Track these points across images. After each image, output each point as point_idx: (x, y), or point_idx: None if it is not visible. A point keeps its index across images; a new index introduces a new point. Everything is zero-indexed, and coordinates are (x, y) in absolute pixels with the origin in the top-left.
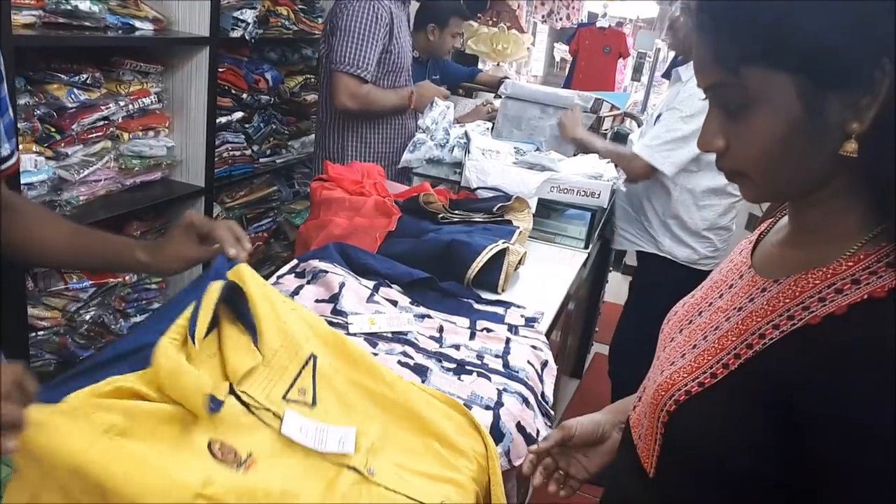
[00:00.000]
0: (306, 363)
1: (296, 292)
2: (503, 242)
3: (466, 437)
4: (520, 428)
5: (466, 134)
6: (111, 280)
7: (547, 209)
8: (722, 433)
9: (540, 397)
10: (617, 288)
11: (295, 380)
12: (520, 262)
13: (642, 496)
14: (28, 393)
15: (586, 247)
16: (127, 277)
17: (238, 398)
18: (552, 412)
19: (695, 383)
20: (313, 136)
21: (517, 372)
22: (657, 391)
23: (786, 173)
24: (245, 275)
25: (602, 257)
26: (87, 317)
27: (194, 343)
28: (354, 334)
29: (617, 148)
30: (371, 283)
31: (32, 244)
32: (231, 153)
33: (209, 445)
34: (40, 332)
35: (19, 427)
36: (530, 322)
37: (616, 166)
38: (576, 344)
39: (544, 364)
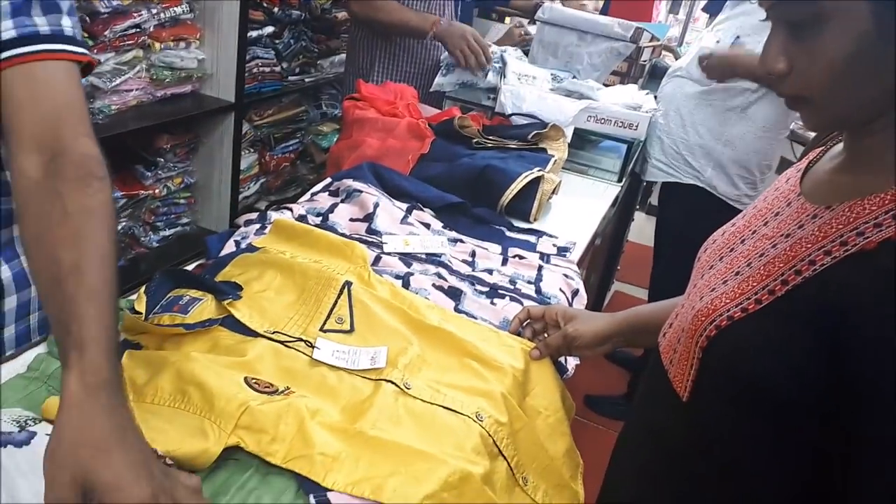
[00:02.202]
0: (342, 291)
1: (330, 210)
2: (538, 170)
3: (503, 354)
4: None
5: (502, 58)
6: (142, 192)
7: (581, 140)
8: (764, 358)
9: None
10: (640, 228)
11: (331, 310)
12: (553, 192)
13: (673, 420)
14: None
15: (619, 180)
16: (157, 190)
17: (269, 339)
18: None
19: (738, 309)
20: (343, 55)
21: (549, 298)
22: (696, 316)
23: (850, 97)
24: (281, 224)
25: (629, 195)
26: (118, 227)
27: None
28: (389, 253)
29: None
30: (404, 206)
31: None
32: (261, 69)
33: (245, 380)
34: None
35: None
36: (562, 251)
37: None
38: (597, 281)
39: (575, 293)
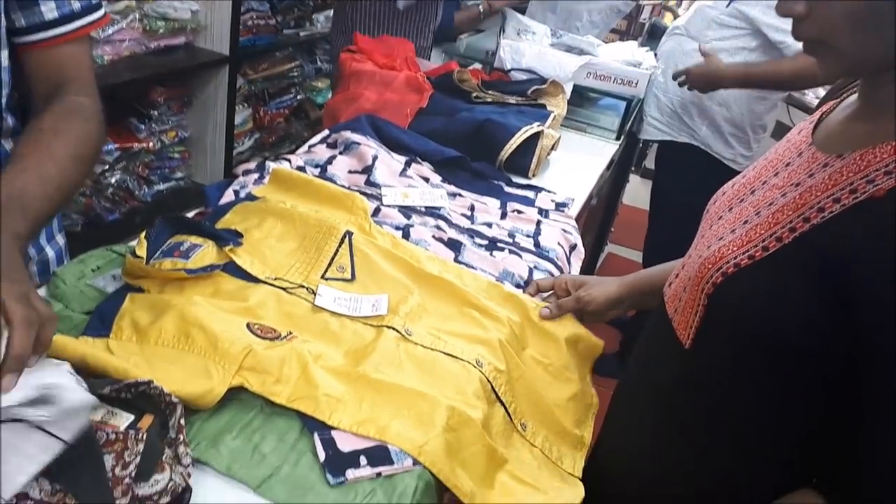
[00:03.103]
0: (342, 241)
1: (329, 162)
2: (538, 125)
3: (502, 307)
4: None
5: (502, 12)
6: (135, 145)
7: (580, 97)
8: (771, 305)
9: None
10: (635, 191)
11: (333, 258)
12: (553, 147)
13: (675, 368)
14: (43, 343)
15: (618, 138)
16: (151, 144)
17: (271, 285)
18: None
19: (744, 256)
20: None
21: (548, 252)
22: (703, 264)
23: (867, 43)
24: (281, 173)
25: (625, 157)
26: (113, 180)
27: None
28: (388, 206)
29: (783, 62)
30: (403, 159)
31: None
32: (255, 21)
33: (248, 326)
34: None
35: (22, 366)
36: (560, 206)
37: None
38: (591, 242)
39: (573, 247)
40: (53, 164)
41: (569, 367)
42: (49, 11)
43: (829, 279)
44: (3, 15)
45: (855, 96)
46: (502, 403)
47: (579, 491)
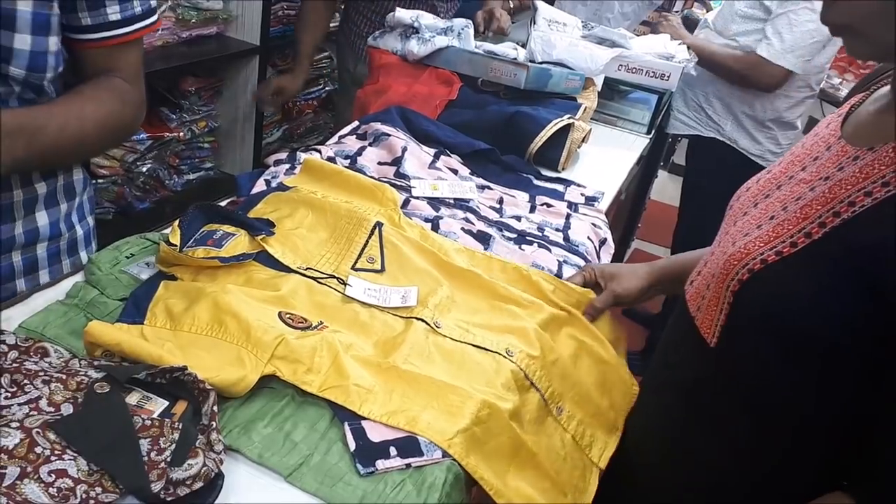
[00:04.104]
0: (372, 232)
1: (358, 153)
2: (569, 117)
3: (531, 296)
4: None
5: (533, 3)
6: (167, 134)
7: (610, 90)
8: (800, 302)
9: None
10: (663, 186)
11: (363, 249)
12: (583, 140)
13: (700, 367)
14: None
15: (648, 132)
16: (181, 133)
17: (302, 275)
18: None
19: (772, 252)
20: None
21: (577, 246)
22: (728, 261)
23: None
24: (312, 164)
25: (654, 152)
26: (144, 169)
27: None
28: (417, 197)
29: (736, 53)
30: (432, 151)
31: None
32: (286, 12)
33: (279, 315)
34: (100, 181)
35: None
36: (590, 201)
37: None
38: (618, 238)
39: (602, 241)
40: (77, 121)
41: (606, 349)
42: (114, 14)
43: (861, 274)
44: (55, 4)
45: (885, 89)
46: (537, 388)
47: (587, 498)
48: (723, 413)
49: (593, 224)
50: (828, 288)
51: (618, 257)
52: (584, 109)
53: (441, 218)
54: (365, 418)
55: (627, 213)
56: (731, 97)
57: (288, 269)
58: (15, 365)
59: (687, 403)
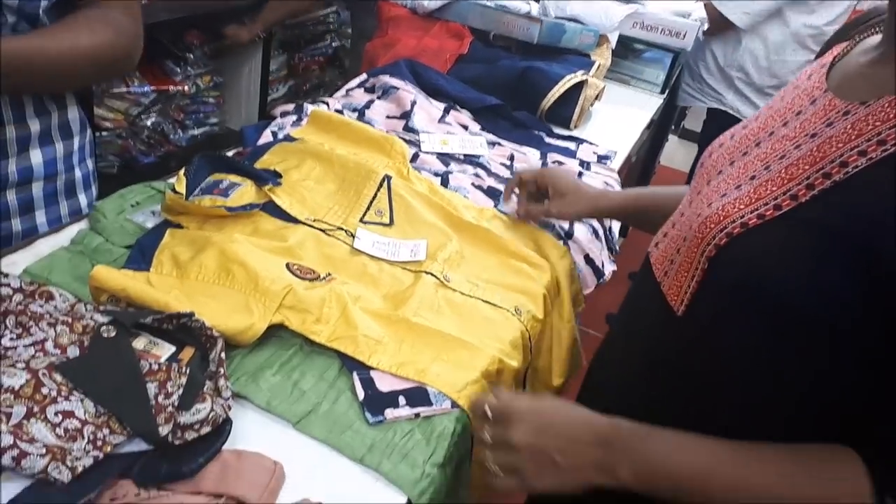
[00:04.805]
0: (381, 185)
1: (367, 106)
2: (582, 73)
3: (540, 254)
4: (588, 260)
5: None
6: (171, 87)
7: (624, 49)
8: (782, 271)
9: (608, 231)
10: (673, 152)
11: (371, 202)
12: (596, 98)
13: (664, 335)
14: None
15: (662, 92)
16: (186, 87)
17: (310, 226)
18: (617, 248)
19: (753, 216)
20: None
21: None
22: (704, 224)
23: None
24: (320, 115)
25: (664, 117)
26: (149, 122)
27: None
28: (427, 152)
29: None
30: (441, 105)
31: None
32: None
33: (287, 266)
34: (104, 133)
35: None
36: (602, 159)
37: None
38: None
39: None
40: (70, 48)
41: (573, 325)
42: None
43: (852, 242)
44: None
45: (875, 38)
46: (531, 352)
47: None
48: (687, 382)
49: (606, 182)
50: (813, 256)
51: None
52: (598, 66)
53: (451, 173)
54: (374, 368)
55: (637, 178)
56: (730, 68)
57: (295, 221)
58: (20, 307)
59: (651, 375)
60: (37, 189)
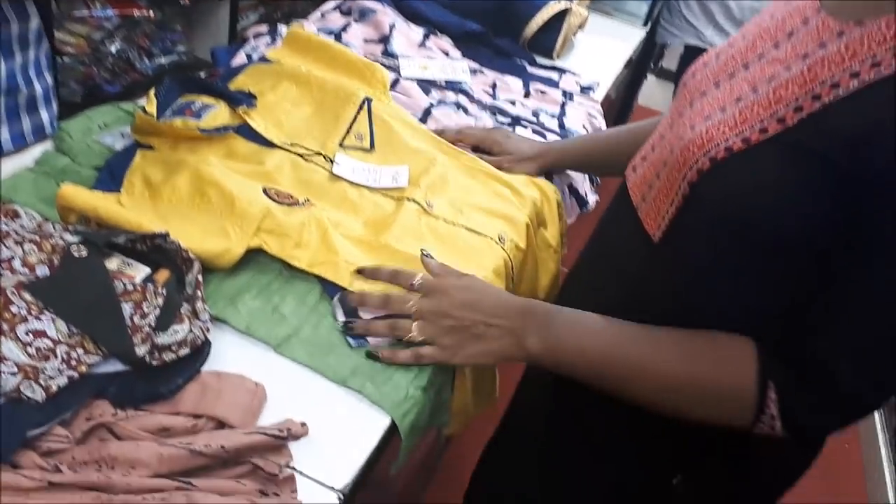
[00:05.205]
0: (361, 107)
1: (343, 30)
2: (566, 1)
3: (525, 187)
4: (571, 190)
5: None
6: (136, 13)
7: None
8: (767, 197)
9: None
10: (650, 92)
11: (351, 125)
12: (579, 27)
13: (637, 260)
14: None
15: (645, 24)
16: (150, 13)
17: (287, 150)
18: (598, 179)
19: (738, 139)
20: None
21: (572, 133)
22: (687, 147)
23: None
24: (296, 35)
25: (642, 55)
26: (113, 49)
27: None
28: (406, 78)
29: None
30: (421, 30)
31: None
32: None
33: (264, 190)
34: (66, 59)
35: None
36: (585, 90)
37: None
38: None
39: (598, 131)
40: None
41: (558, 254)
42: None
43: (837, 167)
44: None
45: None
46: (512, 279)
47: None
48: (662, 306)
49: (589, 113)
50: (798, 182)
51: None
52: None
53: (433, 106)
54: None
55: (615, 117)
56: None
57: (271, 145)
58: None
59: (626, 301)
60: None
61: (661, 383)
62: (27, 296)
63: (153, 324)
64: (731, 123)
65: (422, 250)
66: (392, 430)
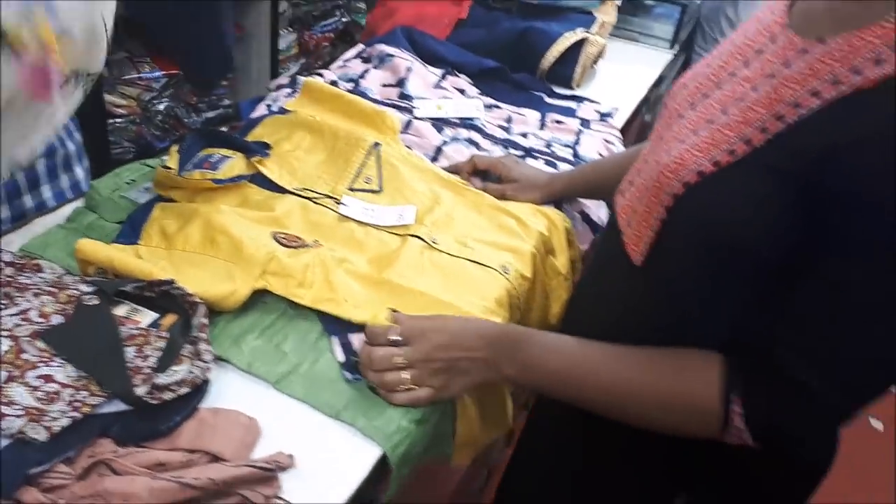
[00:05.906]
0: (370, 152)
1: (362, 76)
2: (582, 30)
3: (532, 217)
4: (584, 216)
5: None
6: (181, 71)
7: (633, 6)
8: (736, 218)
9: None
10: None
11: (360, 169)
12: (599, 56)
13: (623, 285)
14: None
15: (672, 46)
16: None
17: (298, 195)
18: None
19: (709, 163)
20: None
21: (586, 161)
22: (663, 173)
23: None
24: (312, 86)
25: (679, 75)
26: (161, 107)
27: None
28: (420, 118)
29: None
30: (439, 71)
31: None
32: None
33: (273, 235)
34: (118, 120)
35: None
36: (605, 117)
37: None
38: None
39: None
40: None
41: (568, 282)
42: None
43: (804, 185)
44: None
45: None
46: (520, 309)
47: None
48: (650, 337)
49: (605, 140)
50: (767, 202)
51: None
52: (601, 24)
53: (446, 143)
54: (353, 331)
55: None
56: (740, 22)
57: (283, 191)
58: (8, 280)
59: (616, 327)
60: (40, 165)
61: (627, 400)
62: (40, 344)
63: (154, 365)
64: (703, 147)
65: (389, 308)
66: (384, 462)
